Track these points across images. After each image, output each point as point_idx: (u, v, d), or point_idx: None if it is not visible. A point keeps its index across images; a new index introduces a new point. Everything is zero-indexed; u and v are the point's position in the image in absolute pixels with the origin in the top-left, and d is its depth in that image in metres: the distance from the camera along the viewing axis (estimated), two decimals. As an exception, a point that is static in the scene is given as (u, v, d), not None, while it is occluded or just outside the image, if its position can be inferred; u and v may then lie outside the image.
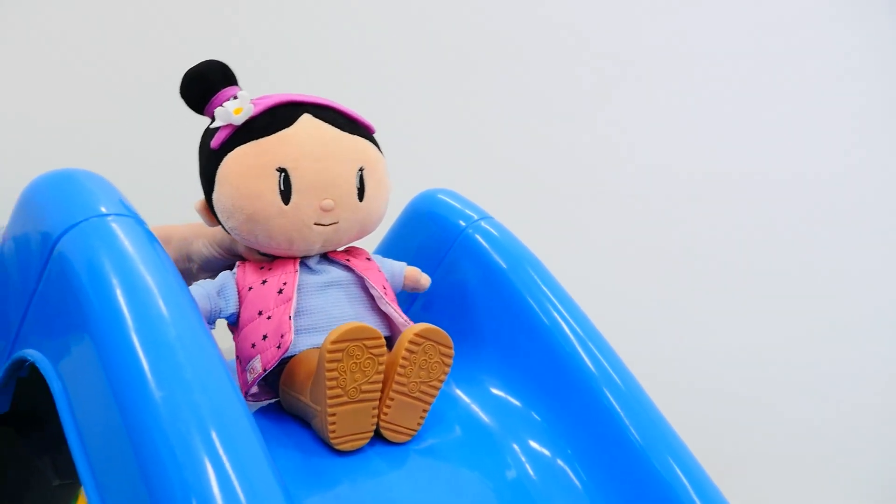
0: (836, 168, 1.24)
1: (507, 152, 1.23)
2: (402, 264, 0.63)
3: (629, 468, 0.55)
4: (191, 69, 0.52)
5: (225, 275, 0.54)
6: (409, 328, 0.49)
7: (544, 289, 0.64)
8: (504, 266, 0.65)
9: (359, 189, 0.53)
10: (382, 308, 0.55)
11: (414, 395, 0.50)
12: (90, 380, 0.37)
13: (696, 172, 1.24)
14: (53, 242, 0.40)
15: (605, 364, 0.59)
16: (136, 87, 1.17)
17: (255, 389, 0.53)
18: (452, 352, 0.51)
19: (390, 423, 0.50)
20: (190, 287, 0.52)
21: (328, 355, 0.45)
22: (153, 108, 1.11)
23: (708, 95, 1.23)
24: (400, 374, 0.49)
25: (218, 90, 0.52)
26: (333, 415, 0.47)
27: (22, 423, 0.56)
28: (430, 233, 0.69)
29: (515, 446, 0.58)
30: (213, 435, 0.34)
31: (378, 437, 0.51)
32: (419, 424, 0.52)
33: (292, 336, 0.50)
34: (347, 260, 0.56)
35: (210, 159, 0.52)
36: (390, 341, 0.56)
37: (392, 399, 0.49)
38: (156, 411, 0.34)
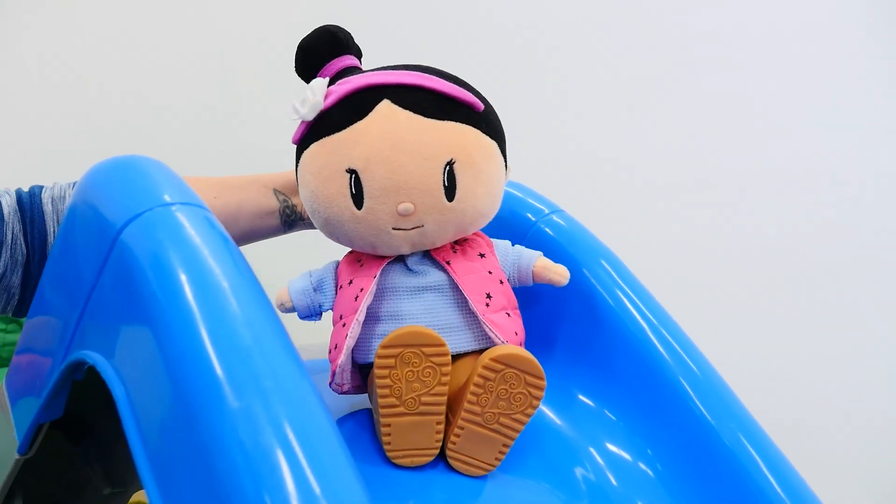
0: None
1: (568, 143, 1.19)
2: (535, 255, 0.53)
3: (713, 468, 0.51)
4: (301, 40, 0.48)
5: (326, 269, 0.51)
6: (489, 350, 0.43)
7: (621, 283, 0.60)
8: (578, 261, 0.61)
9: (447, 187, 0.45)
10: (484, 325, 0.47)
11: (490, 426, 0.44)
12: (157, 386, 0.34)
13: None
14: (116, 234, 0.37)
15: (685, 357, 0.56)
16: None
17: (346, 388, 0.50)
18: (544, 383, 0.44)
19: (459, 454, 0.45)
20: (291, 280, 0.50)
21: (378, 360, 0.41)
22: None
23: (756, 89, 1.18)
24: (471, 402, 0.43)
25: (324, 63, 0.47)
26: (388, 425, 0.43)
27: (72, 428, 0.53)
28: (499, 228, 0.65)
29: (593, 451, 0.54)
30: (298, 450, 0.30)
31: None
32: (498, 460, 0.46)
33: (340, 355, 0.46)
34: (448, 262, 0.49)
35: (296, 155, 0.48)
36: None
37: (462, 428, 0.44)
38: (232, 422, 0.31)
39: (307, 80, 0.48)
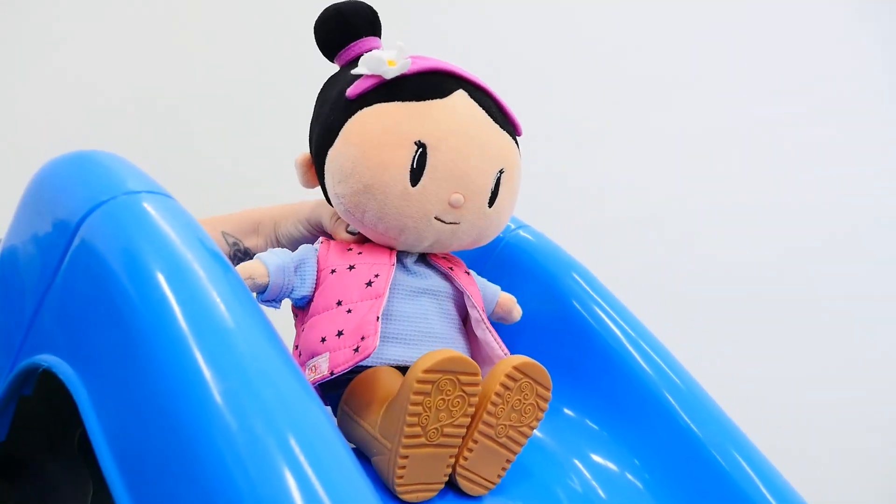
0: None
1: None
2: (497, 288, 0.56)
3: (701, 476, 0.52)
4: (334, 6, 0.46)
5: (306, 249, 0.48)
6: (507, 359, 0.43)
7: (592, 293, 0.61)
8: (547, 273, 0.62)
9: (493, 192, 0.47)
10: (478, 332, 0.48)
11: (500, 440, 0.43)
12: (128, 384, 0.32)
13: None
14: (74, 228, 0.35)
15: (664, 366, 0.57)
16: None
17: None
18: (550, 395, 0.44)
19: (468, 472, 0.43)
20: (262, 255, 0.46)
21: (417, 386, 0.38)
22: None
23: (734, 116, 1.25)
24: (490, 414, 0.42)
25: (360, 36, 0.46)
26: (405, 457, 0.40)
27: (9, 468, 0.49)
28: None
29: (578, 463, 0.54)
30: (292, 441, 0.29)
31: (450, 486, 0.44)
32: (499, 477, 0.44)
33: (377, 341, 0.42)
34: (450, 268, 0.49)
35: (338, 109, 0.45)
36: None
37: (475, 442, 0.42)
38: (218, 415, 0.29)
39: (328, 49, 0.47)
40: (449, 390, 0.39)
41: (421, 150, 0.44)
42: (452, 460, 0.42)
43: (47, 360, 0.35)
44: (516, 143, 0.50)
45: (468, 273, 0.52)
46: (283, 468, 0.28)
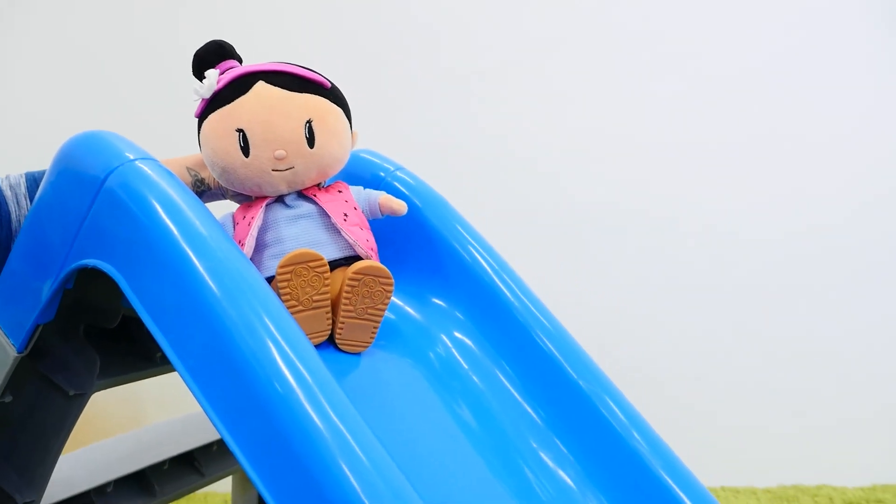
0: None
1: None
2: (379, 193, 0.80)
3: (539, 362, 0.81)
4: (195, 52, 0.74)
5: (226, 215, 0.76)
6: (350, 266, 0.70)
7: (456, 225, 0.90)
8: (421, 207, 0.90)
9: (308, 138, 0.71)
10: (343, 234, 0.73)
11: (363, 317, 0.71)
12: (150, 269, 0.61)
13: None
14: (100, 183, 0.63)
15: (511, 283, 0.86)
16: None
17: None
18: (392, 281, 0.71)
19: (346, 340, 0.72)
20: None
21: (279, 276, 0.67)
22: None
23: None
24: (345, 304, 0.70)
25: (213, 66, 0.73)
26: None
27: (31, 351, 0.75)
28: (356, 184, 0.93)
29: (444, 337, 0.84)
30: (248, 290, 0.59)
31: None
32: (372, 337, 0.73)
33: (249, 252, 0.70)
34: (314, 195, 0.76)
35: (197, 127, 0.74)
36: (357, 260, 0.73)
37: (343, 323, 0.71)
38: (203, 280, 0.58)
39: (200, 79, 0.74)
40: (304, 274, 0.67)
41: (241, 133, 0.71)
42: (329, 315, 0.70)
43: (91, 262, 0.62)
44: (328, 95, 0.73)
45: (341, 192, 0.77)
46: (249, 302, 0.57)
